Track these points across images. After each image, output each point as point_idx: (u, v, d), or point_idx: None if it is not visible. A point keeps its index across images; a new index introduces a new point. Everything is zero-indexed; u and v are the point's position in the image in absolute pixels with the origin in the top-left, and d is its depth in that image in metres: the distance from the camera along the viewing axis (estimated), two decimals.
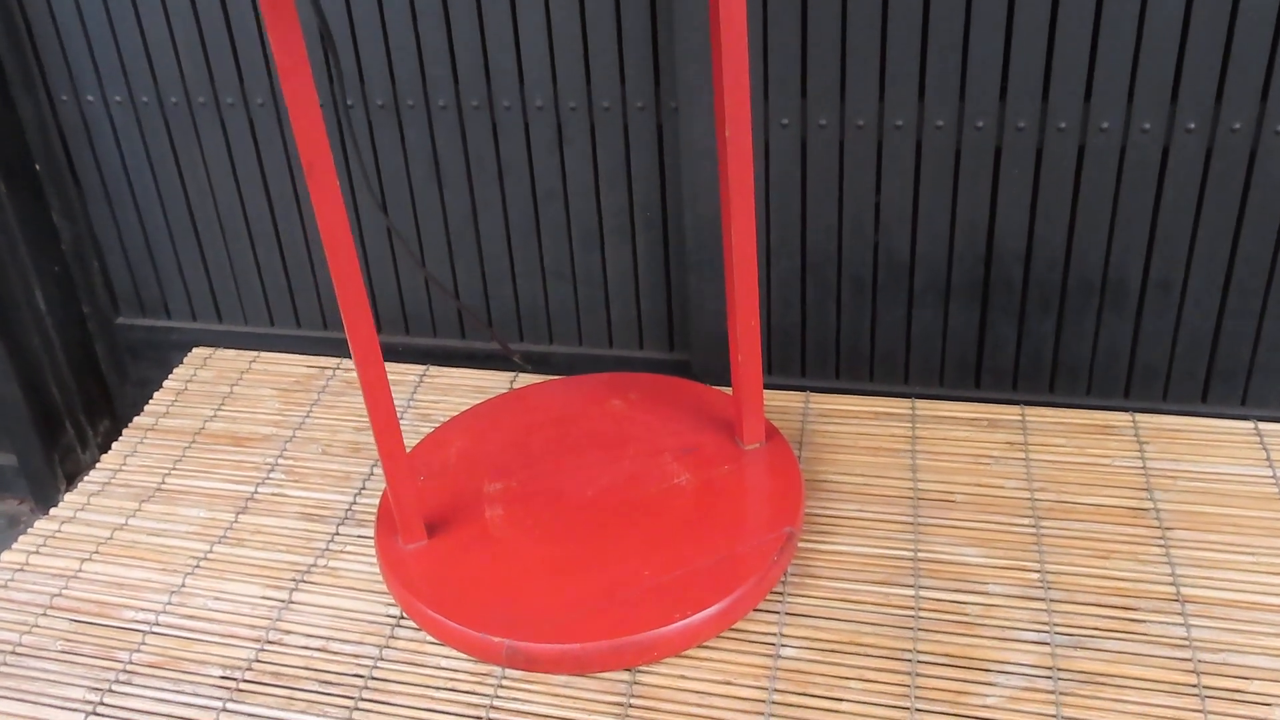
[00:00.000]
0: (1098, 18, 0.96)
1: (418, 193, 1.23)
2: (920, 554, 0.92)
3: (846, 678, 0.82)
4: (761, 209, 1.16)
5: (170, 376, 1.21)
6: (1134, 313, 1.07)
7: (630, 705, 0.81)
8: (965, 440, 1.04)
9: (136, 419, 1.15)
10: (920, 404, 1.09)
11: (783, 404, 1.11)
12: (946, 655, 0.84)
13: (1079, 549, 0.91)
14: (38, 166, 1.37)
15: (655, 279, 1.22)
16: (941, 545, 0.93)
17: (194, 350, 1.24)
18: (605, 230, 1.20)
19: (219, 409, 1.15)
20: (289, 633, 0.89)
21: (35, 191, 1.36)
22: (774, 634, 0.86)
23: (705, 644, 0.86)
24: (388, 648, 0.87)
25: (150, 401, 1.17)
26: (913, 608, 0.88)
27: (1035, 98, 1.04)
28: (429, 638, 0.88)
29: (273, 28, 0.73)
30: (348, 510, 1.01)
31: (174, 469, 1.07)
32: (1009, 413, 1.07)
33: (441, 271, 1.26)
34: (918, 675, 0.82)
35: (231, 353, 1.24)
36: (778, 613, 0.88)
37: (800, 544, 0.94)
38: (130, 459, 1.09)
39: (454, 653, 0.86)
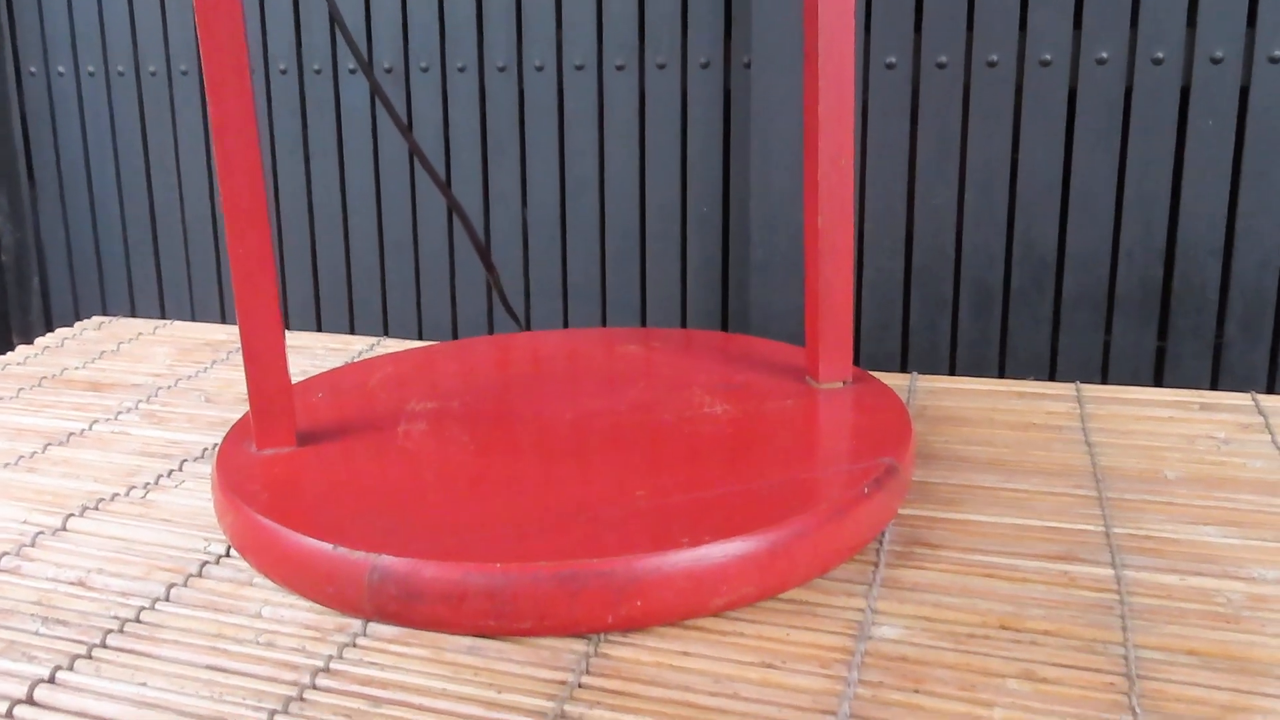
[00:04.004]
0: None
1: (419, 175, 0.96)
2: (1118, 530, 0.54)
3: (1001, 674, 0.43)
4: (855, 184, 0.86)
5: (49, 335, 0.90)
6: None
7: (579, 686, 0.43)
8: (1171, 421, 0.67)
9: None
10: (1087, 387, 0.73)
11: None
12: (1192, 652, 0.44)
13: None
14: None
15: (708, 290, 0.91)
16: (1156, 523, 0.54)
17: (93, 318, 0.94)
18: (648, 231, 0.91)
19: (91, 362, 0.83)
20: (33, 560, 0.53)
21: None
22: (860, 608, 0.47)
23: (732, 613, 0.47)
24: (183, 587, 0.50)
25: (9, 353, 0.86)
26: (1114, 590, 0.48)
27: (1239, 20, 0.75)
28: (255, 577, 0.51)
29: None
30: (207, 450, 0.66)
31: None
32: (1234, 398, 0.70)
33: (437, 284, 0.97)
34: (1139, 677, 0.42)
35: (138, 321, 0.93)
36: (868, 583, 0.49)
37: (909, 512, 0.56)
38: None
39: (288, 597, 0.49)
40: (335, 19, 0.69)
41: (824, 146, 0.59)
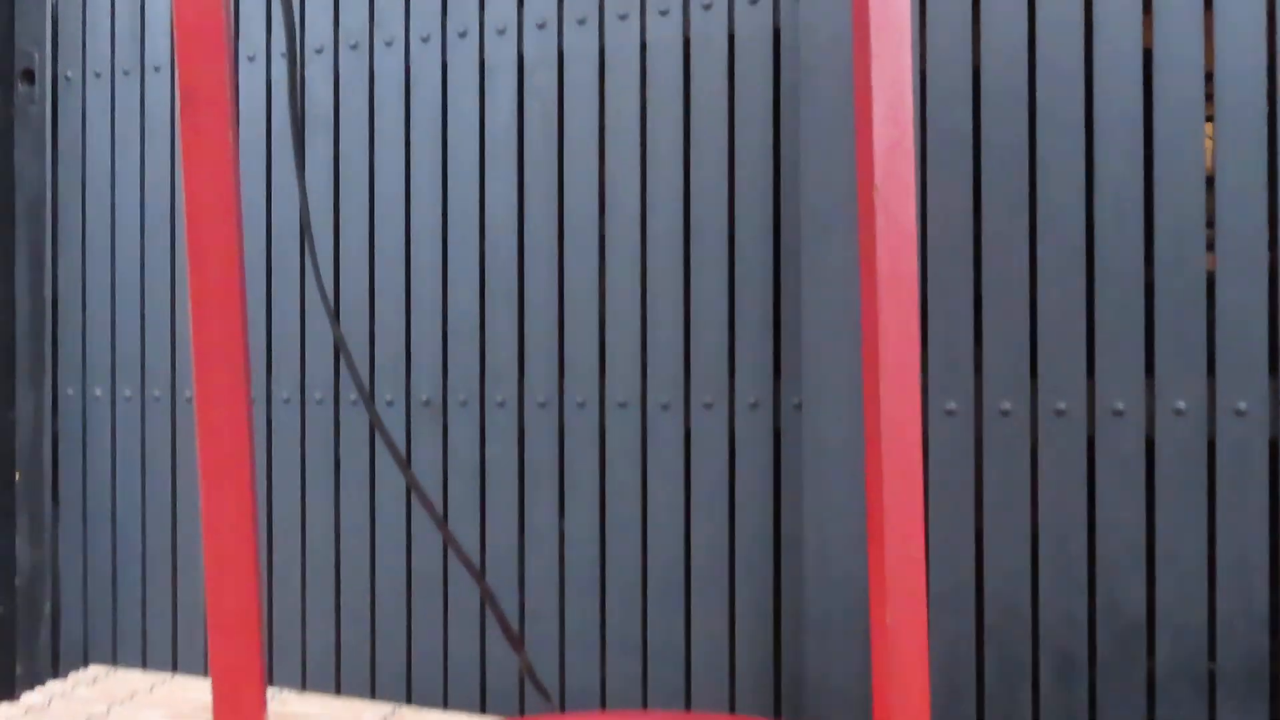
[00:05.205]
0: None
1: (454, 509, 0.92)
2: None
3: None
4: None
5: (34, 690, 0.83)
6: None
7: None
8: None
9: None
10: None
11: None
12: None
13: None
14: (17, 475, 1.14)
15: (759, 647, 0.83)
16: None
17: (89, 668, 0.87)
18: (693, 579, 0.85)
19: None
20: None
21: (6, 510, 1.11)
22: None
23: None
24: None
25: None
26: None
27: None
28: None
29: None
30: None
31: None
32: None
33: (465, 629, 0.90)
34: None
35: (136, 674, 0.86)
36: None
37: None
38: None
39: None
40: (359, 389, 0.66)
41: (890, 519, 0.53)
